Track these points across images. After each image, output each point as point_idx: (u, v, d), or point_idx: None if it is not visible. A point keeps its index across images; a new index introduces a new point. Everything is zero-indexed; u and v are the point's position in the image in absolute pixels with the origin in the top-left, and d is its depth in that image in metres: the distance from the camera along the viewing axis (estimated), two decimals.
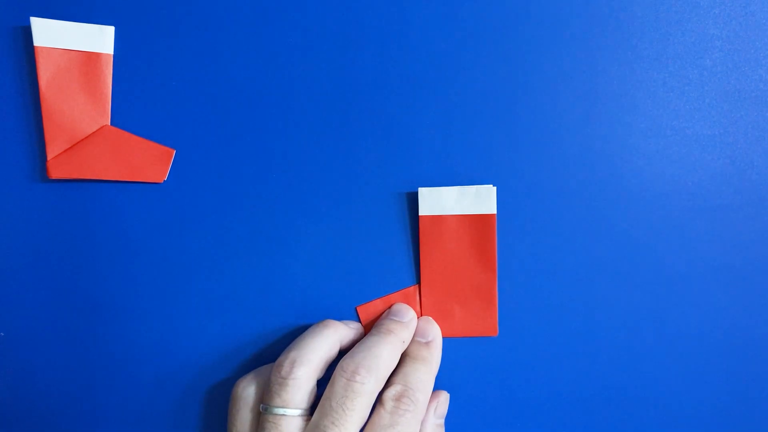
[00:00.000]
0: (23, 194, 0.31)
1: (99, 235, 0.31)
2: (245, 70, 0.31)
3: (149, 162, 0.31)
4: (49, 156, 0.30)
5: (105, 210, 0.31)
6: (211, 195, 0.31)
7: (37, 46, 0.30)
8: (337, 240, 0.31)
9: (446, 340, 0.31)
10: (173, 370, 0.31)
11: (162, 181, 0.31)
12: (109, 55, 0.31)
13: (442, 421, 0.30)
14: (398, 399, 0.27)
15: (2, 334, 0.31)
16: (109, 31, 0.30)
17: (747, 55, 0.31)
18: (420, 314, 0.31)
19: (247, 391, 0.28)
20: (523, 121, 0.31)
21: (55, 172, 0.30)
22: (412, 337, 0.30)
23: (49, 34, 0.30)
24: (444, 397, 0.30)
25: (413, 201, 0.31)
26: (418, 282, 0.31)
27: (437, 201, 0.30)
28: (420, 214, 0.30)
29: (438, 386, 0.31)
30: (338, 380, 0.26)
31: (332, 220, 0.31)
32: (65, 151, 0.30)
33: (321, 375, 0.28)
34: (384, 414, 0.26)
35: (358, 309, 0.31)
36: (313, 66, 0.31)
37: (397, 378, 0.28)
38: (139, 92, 0.31)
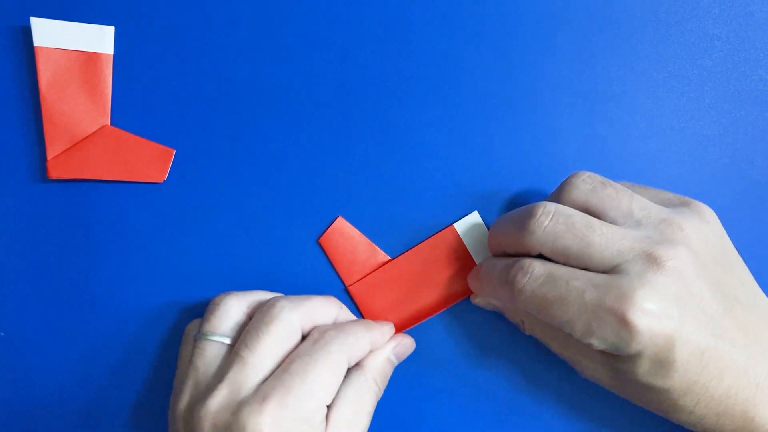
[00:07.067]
0: (23, 194, 0.31)
1: (99, 235, 0.31)
2: (245, 70, 0.31)
3: (149, 162, 0.31)
4: (49, 156, 0.30)
5: (105, 210, 0.31)
6: (211, 195, 0.31)
7: (37, 46, 0.30)
8: None
9: (444, 340, 0.31)
10: (173, 371, 0.31)
11: (162, 181, 0.31)
12: (109, 55, 0.31)
13: (396, 362, 0.29)
14: (323, 332, 0.27)
15: (2, 334, 0.31)
16: (109, 31, 0.30)
17: (747, 55, 0.31)
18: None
19: (192, 324, 0.29)
20: (523, 121, 0.31)
21: (55, 172, 0.30)
22: (367, 346, 0.28)
23: (49, 34, 0.30)
24: (408, 340, 0.30)
25: (412, 206, 0.31)
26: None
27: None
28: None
29: (435, 387, 0.31)
30: (259, 311, 0.26)
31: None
32: (65, 151, 0.30)
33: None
34: (305, 343, 0.26)
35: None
36: (313, 66, 0.31)
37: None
38: (139, 92, 0.31)
